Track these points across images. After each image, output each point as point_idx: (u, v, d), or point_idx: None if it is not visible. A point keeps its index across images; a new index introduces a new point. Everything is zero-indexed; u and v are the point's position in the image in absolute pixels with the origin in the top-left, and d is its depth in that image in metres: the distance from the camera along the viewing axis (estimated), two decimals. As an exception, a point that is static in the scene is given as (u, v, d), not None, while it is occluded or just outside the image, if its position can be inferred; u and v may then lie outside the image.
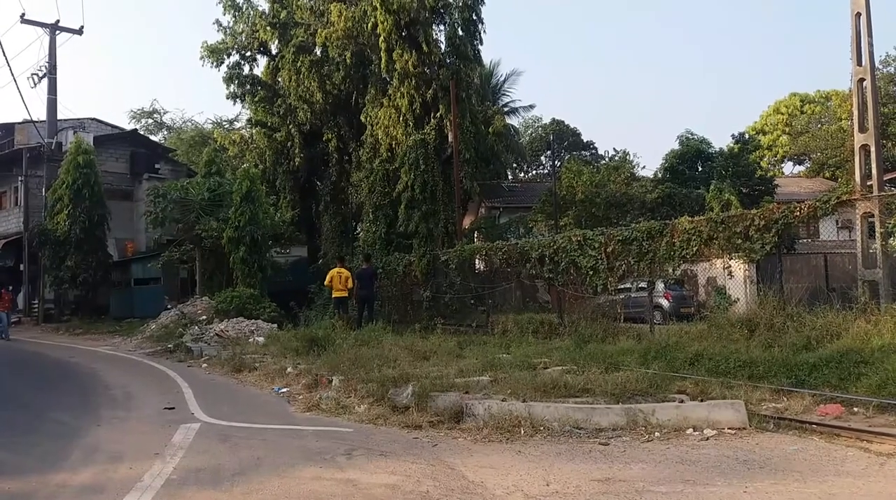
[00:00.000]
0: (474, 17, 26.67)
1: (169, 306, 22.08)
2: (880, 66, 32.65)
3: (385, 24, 25.01)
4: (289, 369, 11.70)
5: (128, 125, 43.27)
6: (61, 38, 29.92)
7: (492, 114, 31.15)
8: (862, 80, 12.91)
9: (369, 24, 25.88)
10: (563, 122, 53.59)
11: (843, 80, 53.56)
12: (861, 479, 5.43)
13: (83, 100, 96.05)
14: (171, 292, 25.99)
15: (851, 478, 5.46)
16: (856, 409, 7.98)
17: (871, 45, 12.72)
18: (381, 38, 25.21)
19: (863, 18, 12.65)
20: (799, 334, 10.58)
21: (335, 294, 16.48)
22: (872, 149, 12.49)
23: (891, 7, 60.57)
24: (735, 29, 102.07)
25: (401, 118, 25.79)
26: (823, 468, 5.76)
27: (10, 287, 22.85)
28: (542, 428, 7.10)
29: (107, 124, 35.69)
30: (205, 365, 14.28)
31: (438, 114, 25.44)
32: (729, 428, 6.94)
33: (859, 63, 12.86)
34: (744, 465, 5.87)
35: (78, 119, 33.80)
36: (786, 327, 11.05)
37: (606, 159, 50.03)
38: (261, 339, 15.64)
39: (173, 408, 9.47)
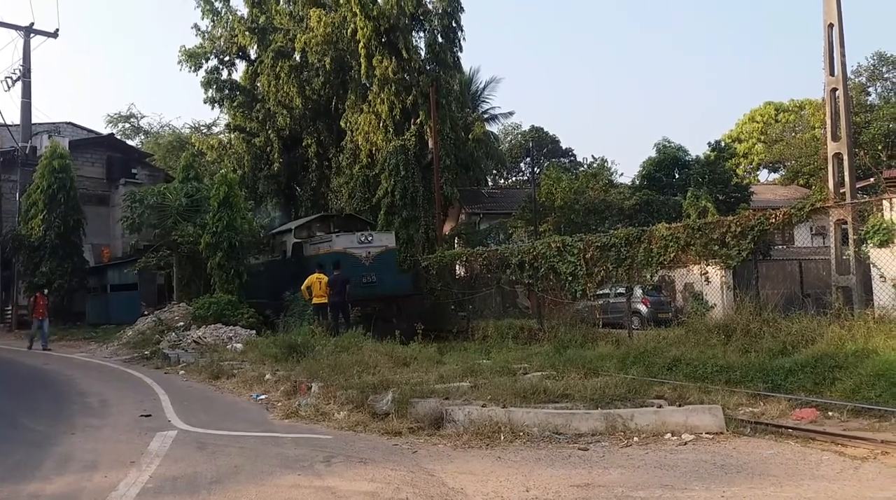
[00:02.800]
0: (454, 25, 26.84)
1: (146, 313, 21.81)
2: (852, 77, 33.28)
3: (365, 30, 25.06)
4: (267, 376, 11.61)
5: (104, 130, 42.83)
6: (36, 41, 29.47)
7: (472, 120, 31.30)
8: (834, 89, 13.14)
9: (349, 30, 25.92)
10: (542, 129, 53.92)
11: (816, 89, 54.58)
12: (836, 483, 5.51)
13: (59, 104, 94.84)
14: (148, 298, 25.67)
15: (826, 482, 5.53)
16: (830, 413, 8.10)
17: (843, 55, 12.96)
18: (361, 44, 25.26)
19: (835, 30, 12.89)
20: (775, 340, 10.72)
21: (315, 300, 16.39)
22: (845, 157, 12.71)
23: (863, 19, 61.83)
24: (711, 38, 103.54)
25: (381, 124, 25.84)
26: (799, 472, 5.83)
27: (46, 291, 21.81)
28: (521, 434, 7.11)
29: (83, 129, 35.24)
30: (182, 372, 14.12)
31: (418, 120, 25.52)
32: (706, 433, 7.00)
33: (832, 73, 13.10)
34: (721, 470, 5.92)
35: (53, 123, 33.36)
36: (762, 333, 11.18)
37: (585, 166, 50.37)
38: (239, 345, 15.49)
39: (150, 416, 9.35)
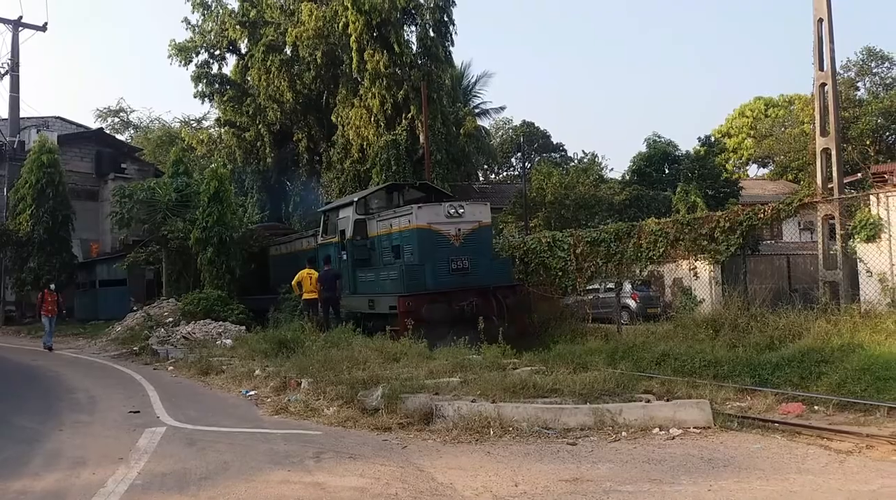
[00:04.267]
0: (445, 19, 26.80)
1: (135, 308, 21.72)
2: (841, 72, 33.41)
3: (356, 24, 24.97)
4: (257, 372, 11.58)
5: (93, 124, 42.61)
6: (24, 34, 29.25)
7: (463, 115, 31.24)
8: (823, 84, 13.21)
9: (340, 24, 25.83)
10: (533, 124, 53.99)
11: (805, 84, 54.81)
12: (821, 476, 5.56)
13: (47, 98, 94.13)
14: (137, 293, 25.57)
15: (812, 475, 5.58)
16: (816, 407, 8.18)
17: (832, 50, 13.02)
18: (353, 38, 25.18)
19: (824, 24, 12.94)
20: (762, 334, 10.80)
21: (305, 296, 16.36)
22: (833, 152, 12.79)
23: (852, 14, 62.12)
24: (702, 33, 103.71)
25: (372, 119, 25.79)
26: (785, 465, 5.88)
27: (53, 286, 20.35)
28: (511, 429, 7.13)
29: (72, 123, 35.03)
30: (171, 368, 14.08)
31: (410, 115, 25.48)
32: (694, 427, 7.04)
33: (821, 68, 13.16)
34: (708, 464, 5.96)
35: (42, 117, 33.12)
36: (750, 328, 11.27)
37: (576, 161, 50.50)
38: (228, 341, 15.45)
39: (138, 412, 9.33)
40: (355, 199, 16.65)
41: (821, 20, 12.96)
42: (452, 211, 14.58)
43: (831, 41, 12.98)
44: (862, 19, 75.11)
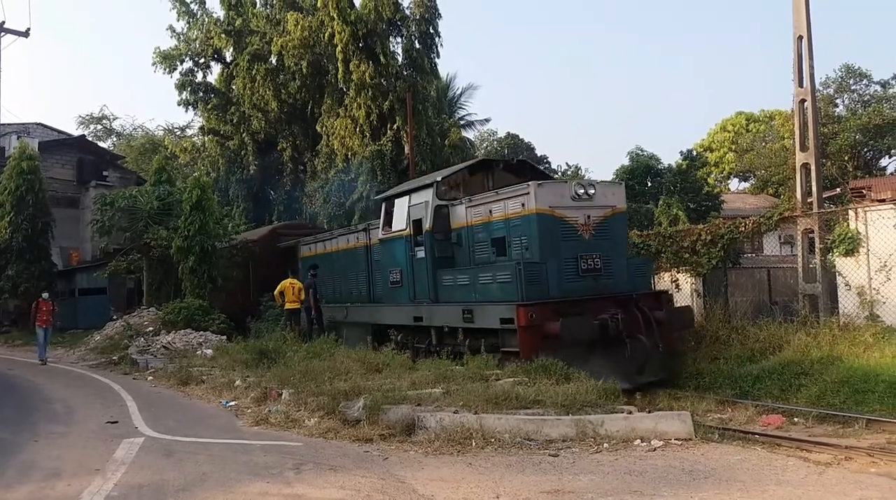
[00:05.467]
0: (431, 31, 26.94)
1: (115, 317, 21.48)
2: (820, 88, 33.90)
3: (342, 34, 25.02)
4: (237, 382, 11.48)
5: (75, 131, 42.14)
6: (6, 40, 28.92)
7: (448, 126, 31.33)
8: (803, 100, 13.41)
9: (326, 34, 25.87)
10: (517, 136, 54.17)
11: (785, 100, 55.55)
12: (800, 488, 5.58)
13: (29, 104, 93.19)
14: (118, 302, 25.28)
15: (791, 487, 5.60)
16: (796, 419, 8.25)
17: (812, 67, 13.24)
18: (339, 48, 25.22)
19: (804, 42, 13.15)
20: (743, 347, 10.90)
21: (287, 305, 16.28)
22: (813, 167, 12.97)
23: (832, 32, 63.18)
24: (686, 48, 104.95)
25: (357, 129, 25.80)
26: (765, 477, 5.91)
27: (47, 295, 18.96)
28: (493, 440, 7.10)
29: (53, 130, 34.67)
30: (150, 378, 13.91)
31: (395, 125, 25.52)
32: (675, 439, 7.05)
33: (801, 84, 13.36)
34: (689, 475, 5.97)
35: (22, 124, 32.79)
36: (731, 340, 11.37)
37: (559, 173, 50.73)
38: (209, 351, 15.32)
39: (116, 422, 9.21)
40: (438, 178, 13.03)
41: (801, 37, 13.17)
42: (581, 191, 11.15)
43: (811, 58, 13.20)
44: (841, 37, 76.45)
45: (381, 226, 14.38)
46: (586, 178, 12.44)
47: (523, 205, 11.16)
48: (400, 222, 13.66)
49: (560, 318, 10.03)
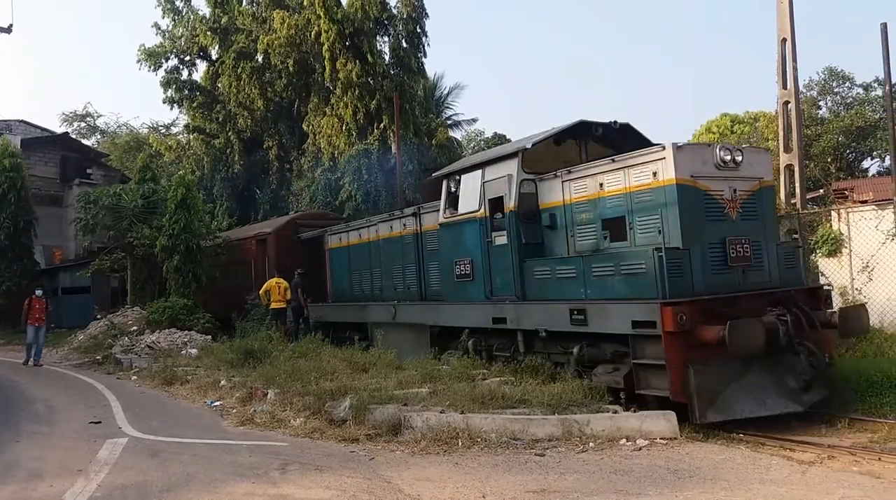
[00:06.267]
0: (418, 30, 26.91)
1: (98, 316, 21.29)
2: (804, 90, 34.18)
3: (329, 33, 24.94)
4: (222, 382, 11.43)
5: (59, 128, 41.67)
6: (-12, 35, 28.63)
7: (435, 126, 31.33)
8: (787, 102, 13.54)
9: (313, 33, 25.77)
10: (504, 136, 54.21)
11: (770, 102, 56.00)
12: (784, 486, 5.64)
13: (11, 101, 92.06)
14: (101, 301, 25.06)
15: (775, 486, 5.66)
16: (780, 419, 8.30)
17: (795, 69, 13.38)
18: (325, 46, 25.13)
19: (788, 44, 13.28)
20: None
21: (273, 305, 16.20)
22: (796, 168, 13.12)
23: (815, 34, 63.78)
24: (671, 50, 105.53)
25: (344, 128, 25.73)
26: (749, 476, 5.96)
27: (41, 292, 17.95)
28: (479, 440, 7.12)
29: (36, 127, 34.29)
30: (135, 378, 13.81)
31: (382, 124, 25.46)
32: (661, 438, 7.11)
33: (784, 86, 13.49)
34: (674, 474, 6.01)
35: (4, 121, 32.44)
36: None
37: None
38: (194, 351, 15.23)
39: (100, 422, 9.14)
40: (527, 146, 10.55)
41: (784, 40, 13.30)
42: (727, 157, 8.87)
43: (794, 60, 13.33)
44: (824, 40, 77.22)
45: (441, 208, 12.01)
46: (735, 145, 8.47)
47: (655, 174, 8.78)
48: (470, 202, 11.29)
49: (722, 320, 7.75)
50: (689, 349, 7.83)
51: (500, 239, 10.68)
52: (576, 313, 9.17)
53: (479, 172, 11.22)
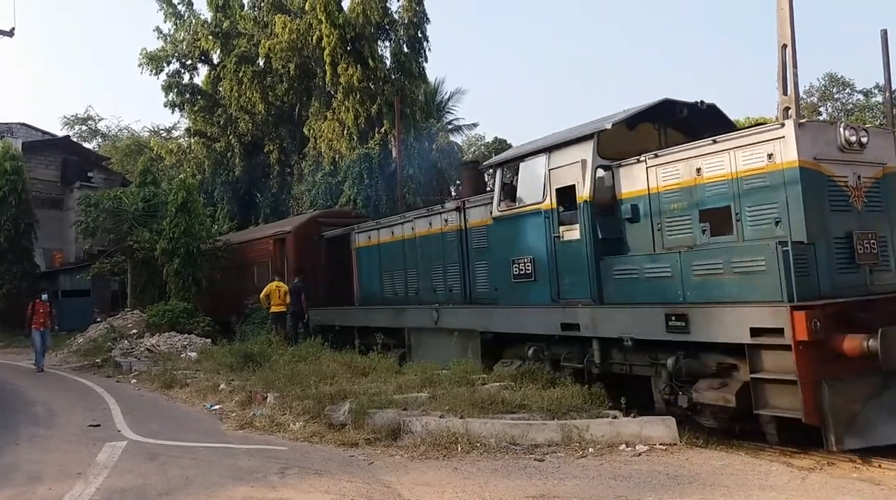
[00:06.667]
0: (419, 35, 27.00)
1: (98, 320, 21.29)
2: (804, 96, 34.32)
3: (330, 37, 25.02)
4: (222, 386, 11.42)
5: (60, 132, 41.75)
6: (-10, 39, 28.70)
7: (436, 131, 31.37)
8: (787, 108, 13.49)
9: (314, 37, 25.86)
10: (505, 141, 54.25)
11: (770, 107, 56.03)
12: (783, 493, 5.63)
13: (12, 104, 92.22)
14: (101, 304, 25.07)
15: (775, 492, 5.65)
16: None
17: (795, 75, 13.34)
18: (326, 51, 25.21)
19: (788, 50, 13.28)
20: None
21: (273, 309, 16.19)
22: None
23: (815, 41, 63.94)
24: (672, 54, 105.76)
25: (345, 132, 25.79)
26: (749, 482, 5.95)
27: (45, 296, 17.31)
28: (479, 444, 7.12)
29: (37, 130, 34.37)
30: (134, 381, 13.81)
31: (383, 129, 25.52)
32: (660, 444, 7.10)
33: (785, 92, 13.46)
34: (674, 480, 6.01)
35: (6, 124, 32.51)
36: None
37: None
38: (193, 354, 15.23)
39: (99, 425, 9.14)
40: (607, 126, 9.19)
41: (785, 46, 13.28)
42: (853, 138, 7.86)
43: (795, 66, 13.31)
44: (825, 46, 77.41)
45: (494, 200, 10.80)
46: (860, 125, 7.63)
47: (770, 156, 7.73)
48: (532, 192, 10.05)
49: (857, 328, 6.79)
50: (823, 362, 6.70)
51: (571, 234, 9.44)
52: (674, 318, 7.86)
53: (544, 157, 9.89)
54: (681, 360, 7.83)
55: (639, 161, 8.93)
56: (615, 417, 7.63)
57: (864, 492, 5.66)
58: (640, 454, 6.83)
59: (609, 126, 9.12)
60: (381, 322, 13.79)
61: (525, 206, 10.16)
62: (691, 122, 9.70)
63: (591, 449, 6.94)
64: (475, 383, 9.22)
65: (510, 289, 10.47)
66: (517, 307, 10.30)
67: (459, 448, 7.04)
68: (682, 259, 8.10)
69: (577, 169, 9.36)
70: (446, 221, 12.59)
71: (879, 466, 6.48)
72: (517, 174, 10.48)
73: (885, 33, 10.82)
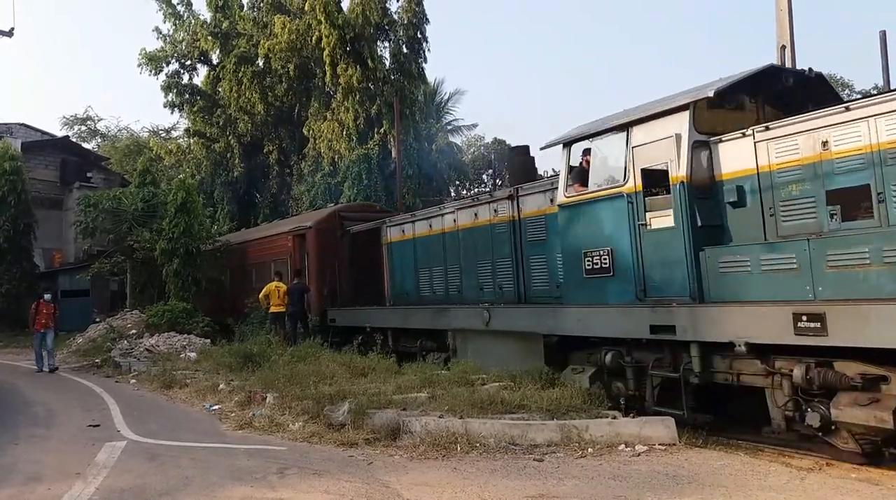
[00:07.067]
0: (419, 36, 27.04)
1: (97, 320, 21.30)
2: (804, 97, 34.37)
3: (330, 38, 25.05)
4: (221, 386, 11.42)
5: (60, 132, 41.76)
6: (-11, 39, 28.69)
7: (435, 131, 31.46)
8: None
9: (314, 38, 25.89)
10: (504, 141, 54.35)
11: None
12: (783, 493, 5.63)
13: (12, 104, 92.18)
14: (101, 304, 25.08)
15: (774, 492, 5.65)
16: (779, 425, 8.28)
17: (795, 76, 13.37)
18: (326, 52, 25.24)
19: (787, 51, 13.31)
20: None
21: (272, 309, 16.19)
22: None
23: (814, 42, 64.07)
24: (673, 56, 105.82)
25: (344, 132, 25.82)
26: (748, 482, 5.95)
27: (49, 296, 16.87)
28: (478, 445, 7.11)
29: (36, 130, 34.35)
30: (133, 381, 13.80)
31: (382, 129, 25.56)
32: (660, 444, 7.09)
33: (784, 93, 13.50)
34: (673, 480, 6.01)
35: (5, 124, 32.49)
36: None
37: (546, 178, 50.84)
38: (193, 354, 15.22)
39: (98, 425, 9.13)
40: (709, 93, 7.87)
41: (784, 47, 13.33)
42: None
43: (794, 67, 13.34)
44: (823, 47, 77.50)
45: (561, 184, 9.54)
46: None
47: None
48: (610, 174, 8.90)
49: None
50: None
51: (661, 221, 8.24)
52: (805, 318, 6.63)
53: (623, 134, 8.69)
54: (812, 369, 6.62)
55: (744, 135, 7.79)
56: (614, 417, 7.64)
57: (863, 492, 5.66)
58: (639, 455, 6.83)
59: (711, 94, 7.83)
60: (420, 323, 12.56)
61: (602, 190, 8.88)
62: (793, 94, 8.46)
63: (590, 449, 6.94)
64: (474, 383, 9.22)
65: (580, 286, 9.18)
66: (592, 307, 8.98)
67: (459, 448, 7.04)
68: (811, 248, 6.83)
69: (669, 145, 8.09)
70: (496, 211, 11.46)
71: (878, 466, 6.48)
72: (589, 154, 9.27)
73: (883, 34, 10.82)
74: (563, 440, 7.12)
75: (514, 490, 5.78)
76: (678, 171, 7.97)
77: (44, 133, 34.60)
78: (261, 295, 16.50)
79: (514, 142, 52.62)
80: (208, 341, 16.92)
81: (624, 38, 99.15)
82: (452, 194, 45.76)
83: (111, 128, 49.03)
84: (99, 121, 48.67)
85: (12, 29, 29.35)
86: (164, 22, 30.46)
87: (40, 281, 27.79)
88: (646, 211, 8.35)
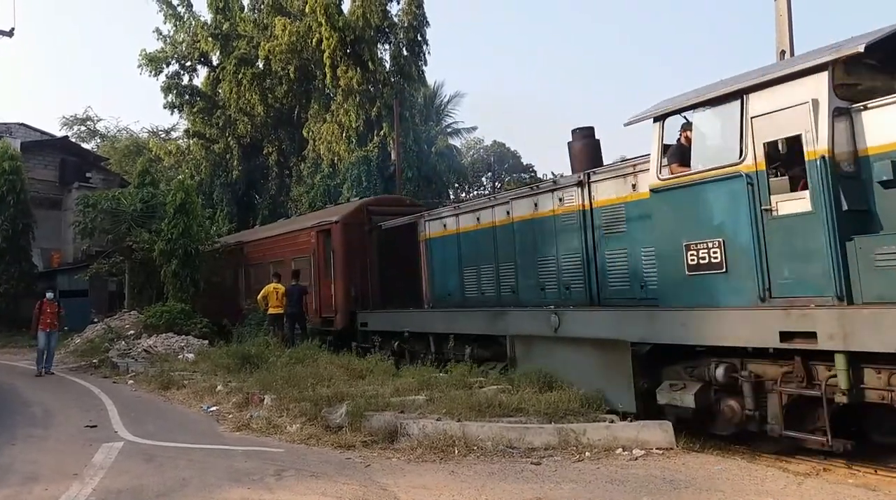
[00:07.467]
0: (419, 38, 27.10)
1: (95, 320, 21.27)
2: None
3: (330, 40, 25.09)
4: (219, 387, 11.40)
5: (59, 132, 41.73)
6: (-11, 39, 28.69)
7: (435, 134, 31.53)
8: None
9: (314, 40, 25.93)
10: (503, 144, 54.47)
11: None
12: (780, 498, 5.64)
13: (11, 104, 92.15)
14: (99, 305, 25.05)
15: (771, 497, 5.65)
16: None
17: (794, 81, 13.38)
18: (326, 54, 25.28)
19: (787, 56, 13.34)
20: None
21: (270, 311, 16.17)
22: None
23: (814, 44, 64.21)
24: (672, 60, 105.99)
25: (344, 134, 25.86)
26: (745, 487, 5.95)
27: (52, 295, 16.45)
28: (475, 448, 7.11)
29: (36, 130, 34.34)
30: (131, 382, 13.78)
31: (382, 131, 25.59)
32: (657, 448, 7.10)
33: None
34: (670, 485, 6.01)
35: (4, 123, 32.48)
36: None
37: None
38: (191, 355, 15.21)
39: (95, 426, 9.12)
40: (859, 48, 6.41)
41: (783, 52, 13.36)
42: None
43: (794, 72, 13.37)
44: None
45: (653, 165, 8.18)
46: None
47: None
48: (720, 151, 7.55)
49: None
50: None
51: (793, 205, 6.83)
52: None
53: (737, 103, 7.28)
54: None
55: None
56: (612, 421, 7.63)
57: (860, 497, 5.67)
58: (636, 459, 6.83)
59: (862, 48, 6.33)
60: (471, 329, 11.14)
61: (709, 169, 7.50)
62: None
63: (587, 453, 6.94)
64: (472, 386, 9.22)
65: (680, 285, 7.77)
66: (702, 310, 7.49)
67: (456, 451, 7.04)
68: None
69: (803, 113, 6.69)
70: (560, 200, 10.03)
71: (875, 471, 6.49)
72: (691, 128, 7.94)
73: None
74: (561, 444, 7.12)
75: (512, 494, 5.78)
76: (816, 144, 6.55)
77: (43, 133, 34.59)
78: (259, 296, 16.48)
79: (513, 145, 52.56)
80: (206, 342, 16.91)
81: (623, 37, 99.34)
82: (452, 197, 45.90)
83: (111, 128, 49.04)
84: (98, 121, 48.66)
85: (12, 29, 29.30)
86: (165, 23, 30.55)
87: (39, 281, 27.79)
88: (770, 193, 6.94)
